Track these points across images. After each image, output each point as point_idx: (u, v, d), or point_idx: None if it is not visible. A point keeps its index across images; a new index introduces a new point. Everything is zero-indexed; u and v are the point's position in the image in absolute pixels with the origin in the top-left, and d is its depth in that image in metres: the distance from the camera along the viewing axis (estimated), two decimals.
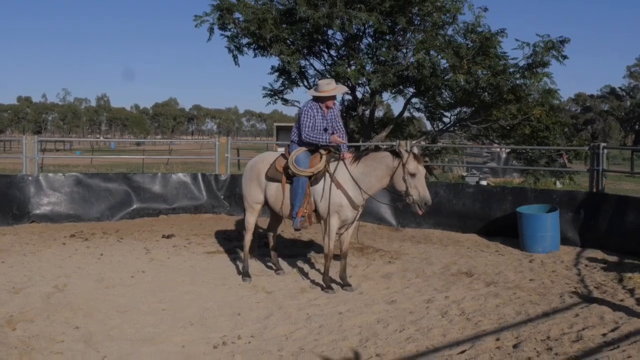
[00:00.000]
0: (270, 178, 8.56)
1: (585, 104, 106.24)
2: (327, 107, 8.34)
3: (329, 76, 16.68)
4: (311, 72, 18.88)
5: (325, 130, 8.32)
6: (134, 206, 14.00)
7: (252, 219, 8.99)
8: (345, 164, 8.05)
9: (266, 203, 8.82)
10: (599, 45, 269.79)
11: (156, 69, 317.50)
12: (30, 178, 13.26)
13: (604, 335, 5.95)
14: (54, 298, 7.47)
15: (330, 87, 8.31)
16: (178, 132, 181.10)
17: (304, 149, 8.31)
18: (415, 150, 7.78)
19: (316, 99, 8.35)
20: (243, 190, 9.10)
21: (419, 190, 7.54)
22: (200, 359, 5.70)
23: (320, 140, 8.21)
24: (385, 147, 17.78)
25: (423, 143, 18.66)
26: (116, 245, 10.96)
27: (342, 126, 8.62)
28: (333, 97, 8.38)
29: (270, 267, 9.38)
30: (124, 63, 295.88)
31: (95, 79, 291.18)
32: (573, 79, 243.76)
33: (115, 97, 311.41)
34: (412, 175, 7.52)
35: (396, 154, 7.68)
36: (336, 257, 8.58)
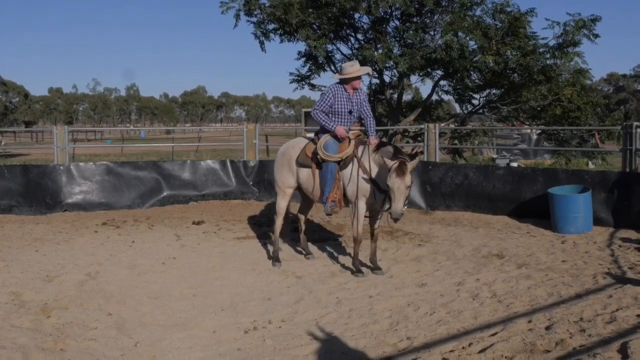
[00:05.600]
0: (300, 164, 8.56)
1: (617, 83, 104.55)
2: (354, 89, 8.32)
3: (356, 60, 16.62)
4: (338, 56, 18.78)
5: (350, 112, 8.32)
6: (164, 194, 14.11)
7: (284, 203, 8.99)
8: (368, 150, 8.00)
9: (298, 187, 8.84)
10: (631, 24, 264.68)
11: (184, 57, 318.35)
12: (61, 168, 13.43)
13: (638, 316, 5.83)
14: (87, 285, 7.55)
15: (353, 68, 8.30)
16: (207, 120, 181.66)
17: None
18: (413, 163, 7.44)
19: (341, 82, 8.34)
20: (275, 175, 9.11)
21: (391, 200, 7.33)
22: (231, 344, 5.72)
23: (326, 124, 8.22)
24: (413, 131, 17.72)
25: (452, 126, 18.52)
26: (147, 233, 11.06)
27: (370, 111, 8.58)
28: (358, 78, 8.33)
29: (300, 252, 9.39)
30: (152, 52, 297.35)
31: (125, 68, 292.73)
32: (605, 59, 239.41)
33: (144, 87, 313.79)
34: (389, 186, 7.34)
35: (386, 161, 7.41)
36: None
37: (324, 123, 8.26)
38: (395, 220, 7.35)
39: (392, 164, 7.27)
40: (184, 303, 6.95)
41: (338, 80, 8.41)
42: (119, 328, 6.11)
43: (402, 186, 7.23)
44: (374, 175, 7.89)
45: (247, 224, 11.83)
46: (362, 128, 8.46)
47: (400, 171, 7.23)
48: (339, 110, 8.27)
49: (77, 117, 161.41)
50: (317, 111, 8.29)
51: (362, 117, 8.51)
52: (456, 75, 17.13)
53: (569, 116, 17.14)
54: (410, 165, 7.37)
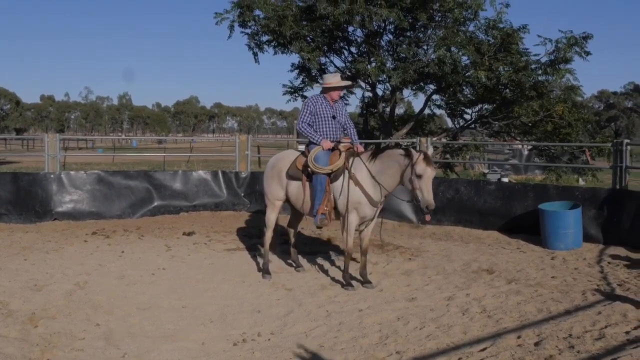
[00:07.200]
0: (290, 176, 8.57)
1: (608, 101, 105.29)
2: (333, 100, 8.49)
3: (349, 73, 16.69)
4: (331, 69, 18.84)
5: (334, 117, 8.45)
6: (155, 204, 14.06)
7: (273, 215, 9.00)
8: (362, 160, 8.03)
9: (287, 200, 8.83)
10: (622, 42, 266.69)
11: (177, 66, 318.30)
12: (52, 176, 13.36)
13: (627, 333, 5.85)
14: (75, 295, 7.51)
15: (335, 79, 8.53)
16: (199, 130, 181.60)
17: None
18: (430, 150, 7.79)
19: (322, 92, 8.54)
20: (264, 187, 9.12)
21: (422, 192, 7.42)
22: (220, 356, 5.70)
23: (312, 137, 8.35)
24: (405, 144, 17.76)
25: (444, 140, 18.57)
26: (137, 243, 11.02)
27: (350, 120, 8.83)
28: (337, 89, 8.49)
29: (290, 265, 9.38)
30: (145, 61, 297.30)
31: (117, 77, 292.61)
32: (596, 76, 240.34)
33: (136, 96, 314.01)
34: (419, 176, 7.40)
35: (409, 152, 7.59)
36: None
37: (310, 136, 8.35)
38: (429, 212, 7.53)
39: (418, 155, 7.43)
40: (173, 314, 6.92)
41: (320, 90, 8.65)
42: (106, 339, 6.07)
43: (432, 174, 7.46)
44: (371, 183, 7.92)
45: (237, 235, 11.80)
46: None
47: (427, 159, 7.41)
48: (322, 115, 8.38)
49: (69, 125, 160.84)
50: (303, 124, 8.41)
51: (344, 126, 8.65)
52: (448, 89, 17.24)
53: (560, 132, 17.26)
54: (430, 151, 7.67)
